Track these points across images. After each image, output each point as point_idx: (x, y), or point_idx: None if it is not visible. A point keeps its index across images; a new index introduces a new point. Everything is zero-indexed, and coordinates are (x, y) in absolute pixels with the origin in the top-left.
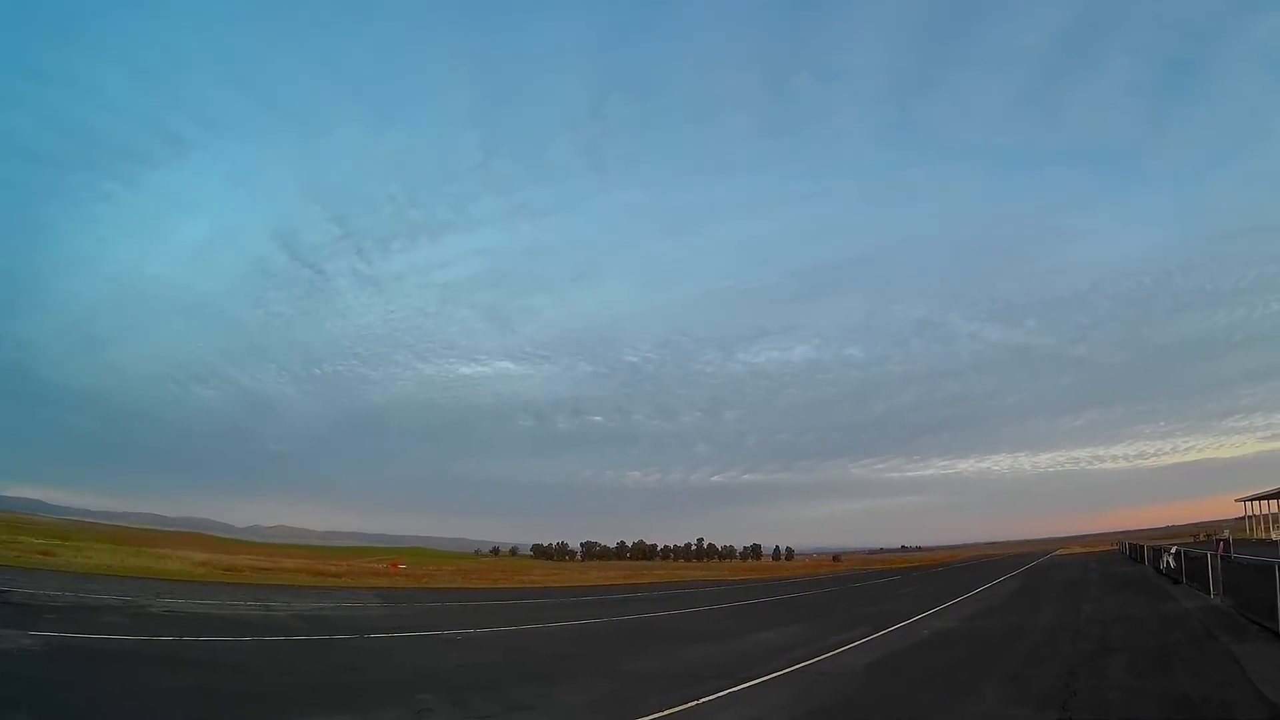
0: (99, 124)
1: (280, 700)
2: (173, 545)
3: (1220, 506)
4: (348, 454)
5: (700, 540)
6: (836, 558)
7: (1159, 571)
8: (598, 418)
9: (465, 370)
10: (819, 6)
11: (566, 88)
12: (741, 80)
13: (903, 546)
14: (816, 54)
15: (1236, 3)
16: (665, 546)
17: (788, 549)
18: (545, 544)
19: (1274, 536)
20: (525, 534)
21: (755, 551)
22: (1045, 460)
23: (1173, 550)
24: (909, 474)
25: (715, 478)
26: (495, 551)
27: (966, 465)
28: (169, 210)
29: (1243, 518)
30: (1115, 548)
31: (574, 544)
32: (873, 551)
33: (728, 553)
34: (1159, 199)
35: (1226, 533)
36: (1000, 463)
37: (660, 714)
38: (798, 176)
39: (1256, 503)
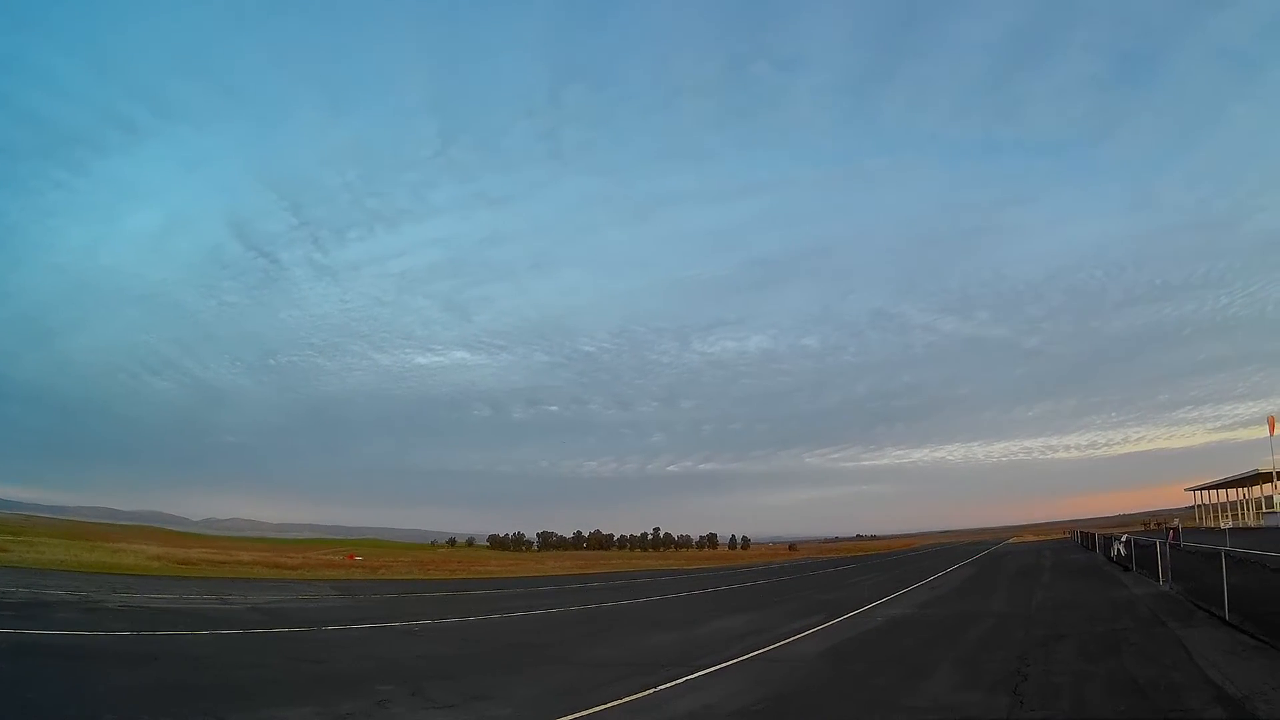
0: (50, 110)
1: (241, 693)
2: (127, 539)
3: (1171, 495)
4: (303, 445)
5: (657, 530)
6: (792, 546)
7: (1110, 559)
8: (554, 407)
9: (421, 360)
10: None
11: (525, 75)
12: (700, 69)
13: (858, 535)
14: (775, 43)
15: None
16: (622, 536)
17: (744, 538)
18: (502, 534)
19: (1222, 525)
20: (482, 524)
21: (711, 540)
22: (999, 450)
23: (1123, 538)
24: (864, 463)
25: (671, 467)
26: (451, 542)
27: (921, 455)
28: (121, 198)
29: (1192, 507)
30: (1068, 536)
31: (530, 534)
32: (828, 540)
33: (684, 542)
34: (1112, 192)
35: (1176, 521)
36: (954, 452)
37: (619, 701)
38: (755, 166)
39: (1205, 492)
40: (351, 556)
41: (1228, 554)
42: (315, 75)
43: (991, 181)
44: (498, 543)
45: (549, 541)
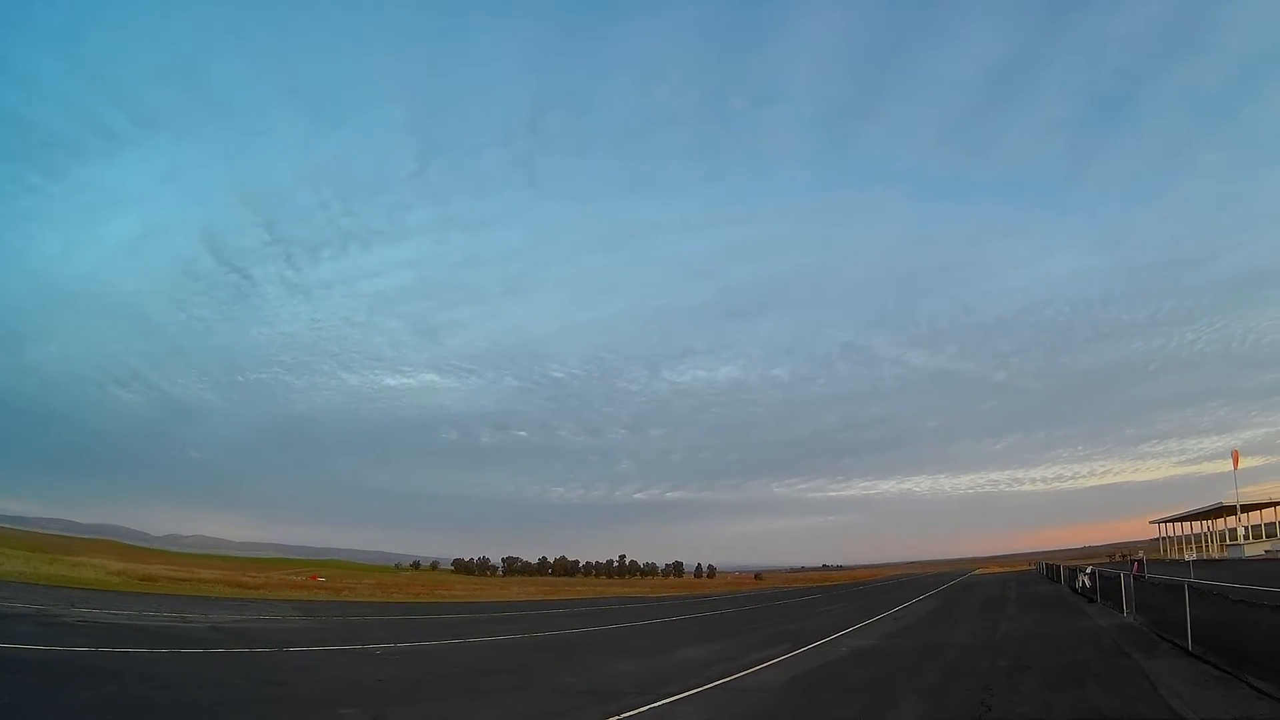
0: (28, 112)
1: (198, 714)
2: (88, 553)
3: (1136, 528)
4: (268, 463)
5: (622, 557)
6: (758, 575)
7: (1075, 591)
8: (522, 432)
9: (390, 381)
10: (757, 31)
11: (505, 100)
12: (678, 100)
13: (824, 565)
14: (753, 77)
15: (1166, 46)
16: (587, 563)
17: (710, 566)
18: (466, 559)
19: (1187, 558)
20: (446, 548)
21: (677, 569)
22: (966, 482)
23: (1088, 570)
24: (831, 494)
25: (638, 495)
26: (415, 565)
27: (888, 486)
28: (98, 206)
29: (1157, 539)
30: (1033, 567)
31: (495, 559)
32: (794, 570)
33: (650, 569)
34: (1082, 230)
35: (1141, 553)
36: (921, 484)
37: None
38: (730, 197)
39: (1170, 525)
40: (315, 577)
41: (1191, 586)
42: (297, 91)
43: (964, 218)
44: (462, 567)
45: (514, 567)
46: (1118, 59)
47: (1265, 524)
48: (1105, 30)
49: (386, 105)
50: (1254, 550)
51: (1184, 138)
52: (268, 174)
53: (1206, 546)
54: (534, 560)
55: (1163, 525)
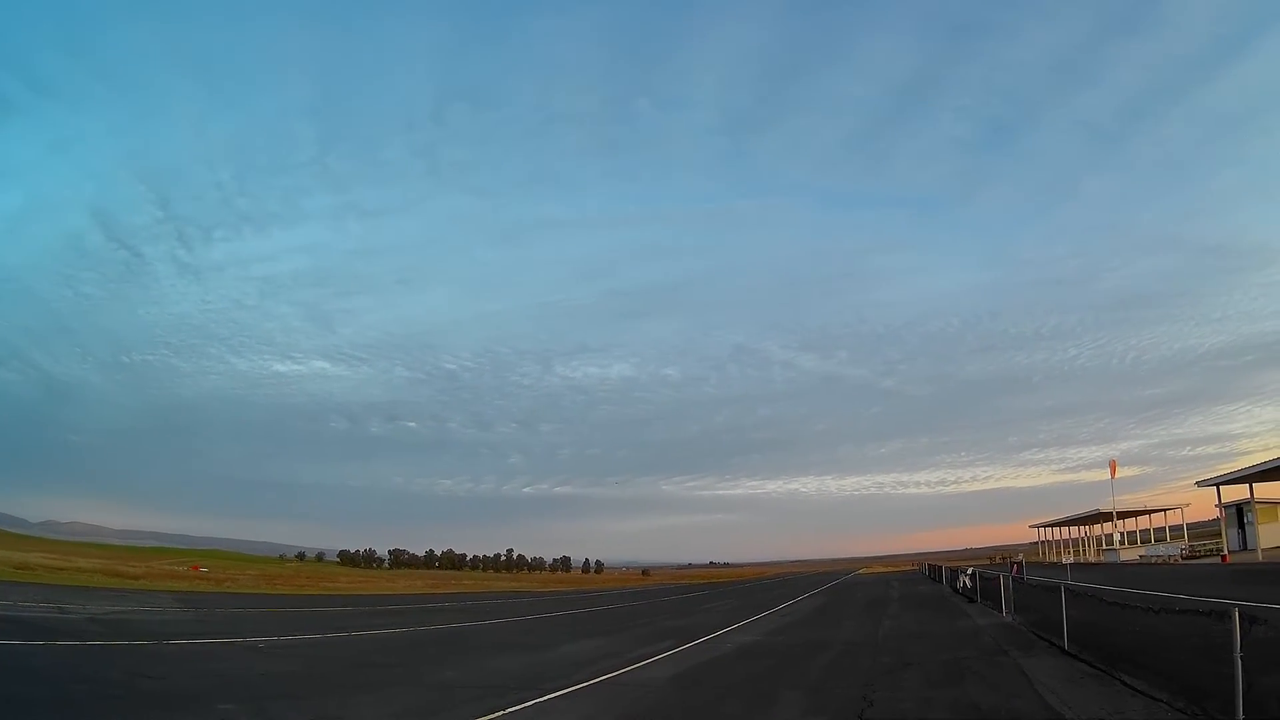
0: None
1: (74, 710)
2: None
3: (1016, 532)
4: (151, 449)
5: (510, 551)
6: (646, 572)
7: (956, 591)
8: (412, 424)
9: (280, 368)
10: (665, 36)
11: (410, 90)
12: (583, 100)
13: (711, 562)
14: (659, 82)
15: (1060, 78)
16: (475, 556)
17: (597, 562)
18: (353, 550)
19: (1065, 561)
20: (332, 540)
21: (565, 564)
22: (851, 484)
23: (969, 571)
24: (720, 492)
25: (527, 489)
26: (301, 557)
27: (775, 486)
28: None
29: (1037, 543)
30: (916, 568)
31: (382, 551)
32: (682, 567)
33: (537, 564)
34: (972, 247)
35: (1021, 556)
36: (808, 484)
37: None
38: (629, 198)
39: (1049, 529)
40: (197, 568)
41: (1068, 588)
42: (198, 67)
43: (858, 230)
44: (348, 559)
45: (401, 560)
46: (1014, 86)
47: (1140, 530)
48: (1004, 57)
49: (289, 88)
50: (1129, 555)
51: (1072, 165)
52: (164, 151)
53: (1084, 551)
54: (421, 553)
55: (1042, 530)
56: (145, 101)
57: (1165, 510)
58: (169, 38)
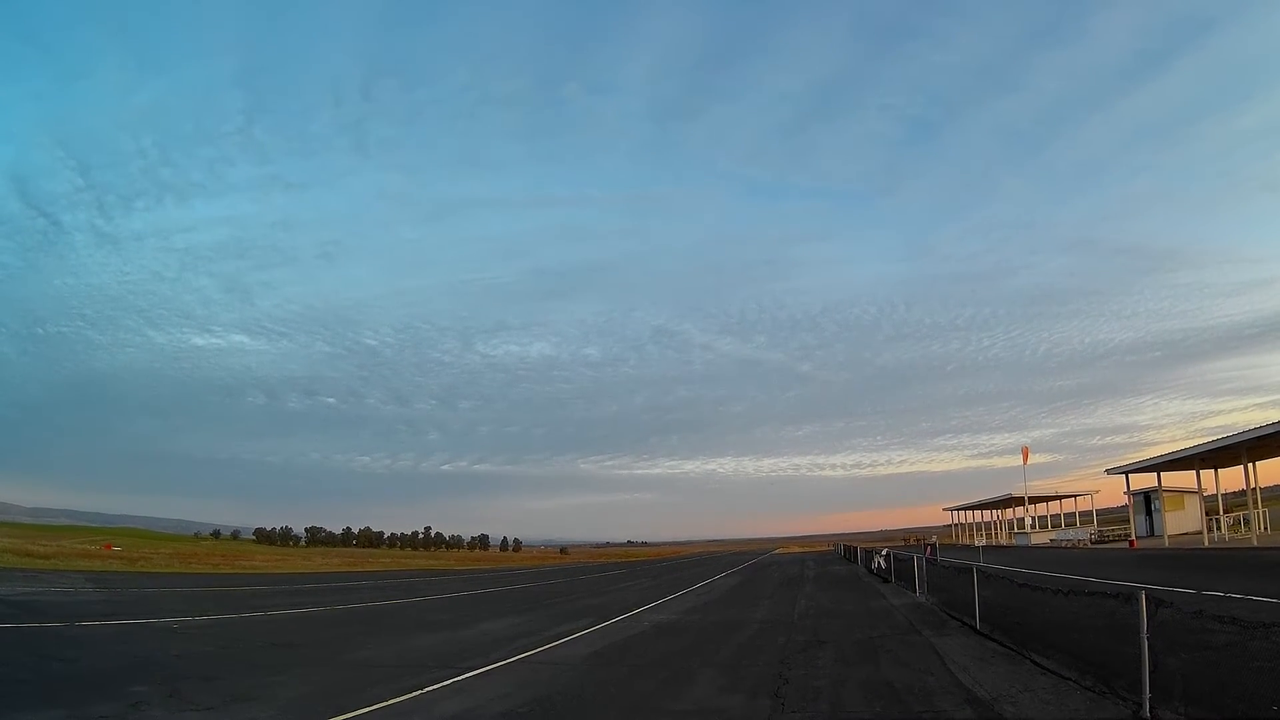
0: None
1: None
2: None
3: (930, 515)
4: (63, 424)
5: (428, 529)
6: (564, 550)
7: (870, 571)
8: (330, 399)
9: (199, 341)
10: (598, 21)
11: (338, 64)
12: (512, 81)
13: (629, 541)
14: (589, 67)
15: (984, 81)
16: (393, 534)
17: (516, 540)
18: (268, 528)
19: (977, 544)
20: (248, 517)
21: (483, 542)
22: (768, 465)
23: (884, 553)
24: (638, 472)
25: (446, 466)
26: (216, 534)
27: (693, 466)
28: None
29: (950, 525)
30: (831, 548)
31: (298, 529)
32: (600, 545)
33: (455, 542)
34: (891, 240)
35: (934, 538)
36: (725, 465)
37: (383, 704)
38: (555, 180)
39: (963, 513)
40: (109, 547)
41: (980, 569)
42: (123, 32)
43: (781, 220)
44: (264, 537)
45: (317, 537)
46: (938, 87)
47: (1051, 515)
48: (930, 60)
49: (215, 57)
50: (1040, 539)
51: (991, 165)
52: (86, 116)
53: (996, 534)
54: (338, 531)
55: (956, 513)
56: (68, 66)
57: (1075, 496)
58: (93, 2)
